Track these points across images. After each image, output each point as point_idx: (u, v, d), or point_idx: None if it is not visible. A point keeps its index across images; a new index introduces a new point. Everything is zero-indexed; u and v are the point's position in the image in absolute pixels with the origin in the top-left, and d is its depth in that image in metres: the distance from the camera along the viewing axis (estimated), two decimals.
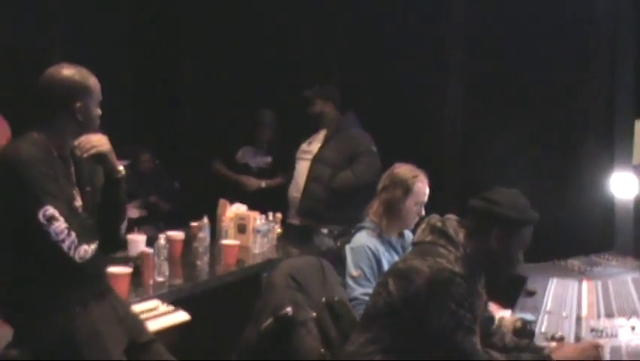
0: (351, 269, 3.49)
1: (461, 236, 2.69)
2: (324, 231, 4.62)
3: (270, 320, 2.80)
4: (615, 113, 5.39)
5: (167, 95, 6.60)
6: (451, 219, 2.76)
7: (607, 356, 2.67)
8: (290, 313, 2.79)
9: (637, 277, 3.80)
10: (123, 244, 3.46)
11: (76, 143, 2.66)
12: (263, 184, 5.69)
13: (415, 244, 2.80)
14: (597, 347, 2.58)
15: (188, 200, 5.85)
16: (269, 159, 5.79)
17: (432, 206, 3.04)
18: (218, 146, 5.91)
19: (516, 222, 2.66)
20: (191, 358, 3.24)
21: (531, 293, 3.81)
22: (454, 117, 6.02)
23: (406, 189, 3.59)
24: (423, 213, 3.62)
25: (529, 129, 5.64)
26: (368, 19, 6.04)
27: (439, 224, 2.73)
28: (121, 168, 2.74)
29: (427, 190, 3.66)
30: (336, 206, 5.02)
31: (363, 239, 3.57)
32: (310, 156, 5.27)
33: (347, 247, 3.58)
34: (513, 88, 5.69)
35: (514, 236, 2.66)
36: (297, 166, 5.34)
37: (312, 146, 5.32)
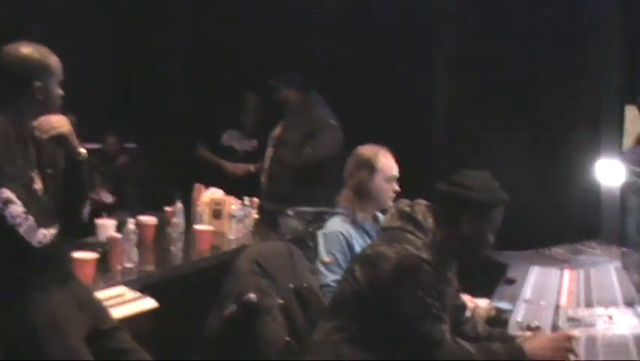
0: (323, 255, 3.46)
1: (430, 221, 2.65)
2: (290, 213, 4.59)
3: (232, 307, 2.77)
4: (602, 100, 5.38)
5: (151, 78, 6.55)
6: (420, 204, 2.72)
7: (582, 346, 2.64)
8: (254, 300, 2.75)
9: (620, 267, 3.76)
10: (86, 229, 3.42)
11: (35, 124, 2.61)
12: (252, 168, 5.66)
13: (383, 229, 2.76)
14: (570, 338, 2.54)
15: (166, 185, 5.81)
16: (254, 142, 5.76)
17: (418, 193, 2.99)
18: (203, 130, 5.87)
19: (487, 205, 2.62)
20: (160, 346, 3.22)
21: (510, 282, 3.79)
22: (442, 105, 6.01)
23: (371, 167, 3.56)
24: (398, 188, 3.59)
25: (517, 116, 5.62)
26: (355, 4, 6.01)
27: (407, 209, 2.69)
28: (82, 150, 2.70)
29: (394, 164, 3.62)
30: (302, 186, 5.02)
31: (336, 225, 3.53)
32: (274, 142, 5.31)
33: (319, 233, 3.55)
34: (501, 75, 5.67)
35: (485, 219, 2.62)
36: (266, 153, 5.36)
37: (276, 131, 5.35)
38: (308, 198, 4.74)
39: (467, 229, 2.62)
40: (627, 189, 3.42)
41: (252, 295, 2.76)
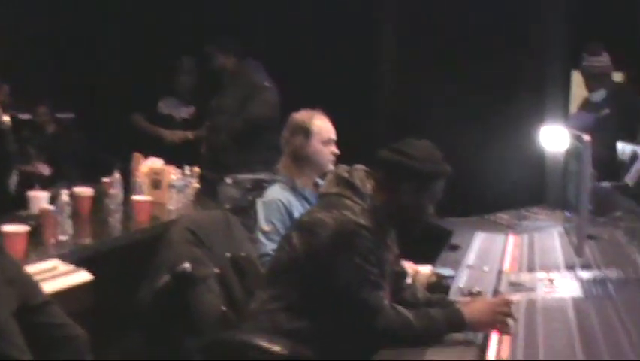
0: (262, 224, 3.43)
1: (369, 187, 2.63)
2: (229, 181, 4.55)
3: (166, 277, 2.72)
4: (547, 66, 5.41)
5: (87, 46, 6.40)
6: (359, 169, 2.69)
7: (522, 310, 2.66)
8: (188, 270, 2.71)
9: (562, 231, 3.80)
10: (15, 201, 3.34)
11: None
12: (190, 135, 5.58)
13: (320, 195, 2.74)
14: (509, 303, 2.55)
15: (104, 155, 5.71)
16: (192, 109, 5.67)
17: (361, 159, 2.97)
18: (139, 97, 5.77)
19: (428, 176, 2.60)
20: (97, 320, 3.17)
21: (454, 248, 3.81)
22: (386, 71, 6.01)
23: (306, 131, 3.53)
24: (337, 151, 3.57)
25: (461, 83, 5.64)
26: None
27: (345, 175, 2.66)
28: (6, 118, 2.62)
29: (331, 127, 3.59)
30: (240, 152, 5.02)
31: (276, 193, 3.50)
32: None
33: (258, 201, 3.51)
34: (444, 41, 5.69)
35: (426, 190, 2.61)
36: (207, 123, 5.35)
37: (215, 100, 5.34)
38: (247, 164, 4.72)
39: (406, 198, 2.60)
40: (569, 155, 3.44)
41: (186, 265, 2.72)
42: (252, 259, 3.00)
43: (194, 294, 2.75)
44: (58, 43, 6.26)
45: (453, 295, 2.96)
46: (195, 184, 4.64)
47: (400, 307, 2.53)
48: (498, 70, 5.60)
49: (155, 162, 4.57)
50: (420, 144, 2.66)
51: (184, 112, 5.70)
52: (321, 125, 3.58)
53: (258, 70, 5.31)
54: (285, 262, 2.61)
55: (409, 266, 3.27)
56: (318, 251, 2.52)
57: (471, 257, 3.55)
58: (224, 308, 2.76)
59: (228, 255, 2.90)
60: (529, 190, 5.19)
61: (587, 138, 2.92)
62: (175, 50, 5.87)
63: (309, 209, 2.76)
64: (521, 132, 5.26)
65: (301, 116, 3.61)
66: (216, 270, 2.83)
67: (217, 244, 2.90)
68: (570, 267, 3.20)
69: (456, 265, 3.43)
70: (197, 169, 4.72)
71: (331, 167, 3.47)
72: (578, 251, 3.05)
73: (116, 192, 4.17)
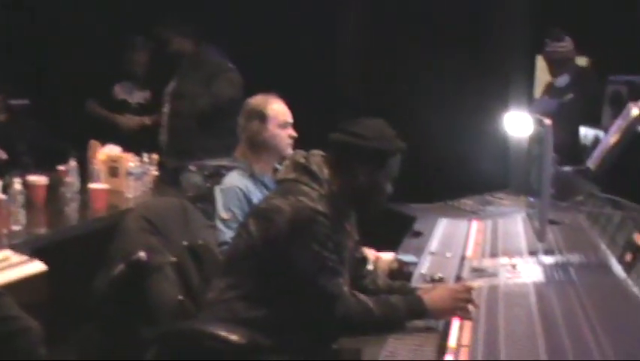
0: (221, 211, 3.41)
1: (326, 172, 2.61)
2: (192, 168, 4.51)
3: (121, 266, 2.68)
4: (510, 52, 5.43)
5: (38, 32, 6.29)
6: (316, 154, 2.67)
7: (484, 296, 2.66)
8: (143, 259, 2.67)
9: (526, 216, 3.81)
10: None
11: None
12: (147, 121, 5.50)
13: (277, 182, 2.71)
14: (469, 289, 2.55)
15: (60, 142, 5.62)
16: (148, 94, 5.58)
17: (322, 145, 2.94)
18: (94, 83, 5.67)
19: (383, 153, 2.59)
20: (53, 311, 3.13)
21: (417, 234, 3.81)
22: (347, 54, 5.99)
23: (262, 116, 3.52)
24: (294, 133, 3.56)
25: (424, 68, 5.65)
26: None
27: (302, 160, 2.64)
28: None
29: (287, 110, 3.59)
30: (203, 137, 4.95)
31: (234, 180, 3.48)
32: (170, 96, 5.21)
33: (216, 189, 3.48)
34: (408, 24, 5.68)
35: (382, 168, 2.60)
36: (163, 109, 5.25)
37: (171, 85, 5.25)
38: (211, 151, 4.67)
39: (363, 179, 2.59)
40: (532, 140, 3.45)
41: (142, 254, 2.68)
42: (210, 246, 2.97)
43: (149, 283, 2.70)
44: (10, 28, 6.15)
45: (415, 282, 2.96)
46: (154, 172, 4.60)
47: (360, 295, 2.52)
48: (461, 56, 5.61)
49: (112, 150, 4.52)
50: (371, 122, 2.64)
51: (139, 97, 5.60)
52: (277, 109, 3.56)
53: (219, 54, 5.24)
54: (242, 249, 2.58)
55: (370, 253, 3.27)
56: (275, 238, 2.50)
57: (434, 243, 3.56)
58: (180, 297, 2.73)
59: (185, 243, 2.86)
60: (493, 176, 5.21)
61: (548, 122, 2.93)
62: (129, 32, 5.74)
63: (266, 195, 2.74)
64: (485, 118, 5.28)
65: (256, 100, 3.59)
66: (173, 258, 2.79)
67: (174, 232, 2.86)
68: (533, 252, 3.21)
69: (418, 251, 3.43)
70: (155, 156, 4.67)
71: (290, 151, 3.46)
72: (540, 236, 3.06)
73: (72, 180, 4.11)
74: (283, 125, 3.56)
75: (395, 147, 2.62)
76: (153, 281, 2.72)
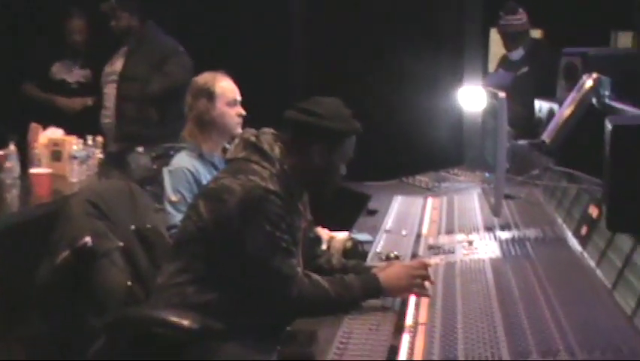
0: (170, 194, 3.39)
1: (277, 151, 2.61)
2: (140, 149, 4.47)
3: (66, 253, 2.66)
4: (464, 25, 5.47)
5: None
6: (267, 132, 2.67)
7: (440, 273, 2.69)
8: (89, 244, 2.65)
9: (482, 192, 3.85)
10: None
11: None
12: (90, 102, 5.40)
13: (227, 161, 2.70)
14: (426, 266, 2.57)
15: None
16: (88, 72, 5.47)
17: (272, 123, 2.93)
18: (28, 62, 5.54)
19: (338, 133, 2.60)
20: None
21: (372, 212, 3.84)
22: (298, 33, 5.99)
23: (209, 94, 3.52)
24: (243, 111, 3.56)
25: (377, 43, 5.66)
26: None
27: (252, 139, 2.63)
28: None
29: (234, 87, 3.59)
30: (155, 122, 4.91)
31: (183, 161, 3.46)
32: (116, 77, 5.11)
33: (165, 170, 3.47)
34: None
35: (337, 149, 2.61)
36: (105, 91, 5.16)
37: (116, 65, 5.16)
38: (161, 137, 4.63)
39: (317, 159, 2.60)
40: (487, 113, 3.48)
41: (87, 239, 2.65)
42: (159, 230, 2.96)
43: (96, 269, 2.68)
44: None
45: (370, 261, 2.99)
46: (99, 154, 4.55)
47: (314, 275, 2.53)
48: (414, 31, 5.63)
49: (54, 133, 4.46)
50: (327, 101, 2.65)
51: (78, 75, 5.47)
52: (225, 87, 3.55)
53: (162, 33, 5.17)
54: (192, 232, 2.57)
55: (323, 232, 3.28)
56: (226, 219, 2.49)
57: (389, 221, 3.59)
58: (129, 283, 2.72)
59: (133, 227, 2.85)
60: (448, 152, 5.27)
61: (503, 95, 2.96)
62: (66, 7, 5.62)
63: (216, 175, 2.73)
64: (439, 94, 5.32)
65: (204, 78, 3.58)
66: (120, 243, 2.77)
67: (121, 216, 2.83)
68: (489, 228, 3.26)
69: (373, 230, 3.46)
70: (100, 139, 4.62)
71: (239, 130, 3.45)
72: (496, 211, 3.10)
73: (12, 165, 4.05)
74: (232, 103, 3.55)
75: (351, 128, 2.63)
76: (100, 267, 2.70)
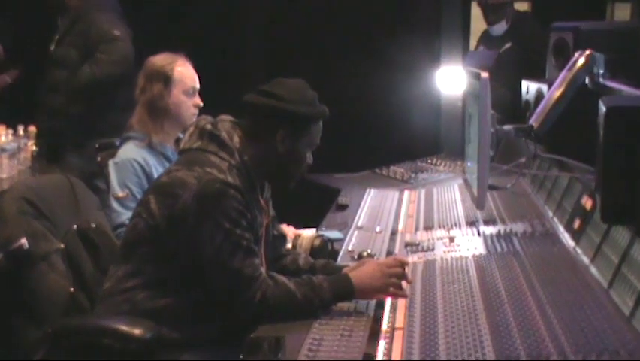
0: (116, 189, 3.39)
1: (237, 140, 2.63)
2: (70, 148, 4.45)
3: None
4: (442, 3, 5.51)
5: None
6: (225, 120, 2.69)
7: (419, 273, 2.73)
8: (25, 246, 2.65)
9: (463, 183, 3.89)
10: None
11: None
12: (8, 79, 5.32)
13: (181, 152, 2.71)
14: (402, 263, 2.61)
15: None
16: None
17: (229, 110, 2.95)
18: None
19: (304, 118, 2.63)
20: None
21: (342, 207, 3.88)
22: (260, 17, 5.99)
23: (165, 79, 3.52)
24: (200, 102, 3.57)
25: (349, 21, 5.68)
26: None
27: (208, 127, 2.65)
28: None
29: (194, 74, 3.60)
30: (86, 116, 4.81)
31: (130, 152, 3.46)
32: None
33: (110, 163, 3.47)
34: None
35: (302, 135, 2.64)
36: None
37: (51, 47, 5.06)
38: (95, 131, 4.60)
39: (281, 147, 2.62)
40: (467, 96, 3.52)
41: (23, 241, 2.65)
42: (104, 230, 2.97)
43: (34, 275, 2.67)
44: None
45: (341, 261, 3.02)
46: (32, 146, 4.52)
47: (279, 276, 2.56)
48: (387, 5, 5.68)
49: None
50: (291, 82, 2.68)
51: None
52: (184, 73, 3.54)
53: (106, 9, 5.00)
54: (143, 230, 2.59)
55: (289, 230, 3.31)
56: (180, 216, 2.51)
57: (361, 217, 3.63)
58: (72, 289, 2.73)
59: (75, 226, 2.86)
60: (426, 140, 5.31)
61: (485, 75, 2.99)
62: None
63: (168, 168, 2.74)
64: (415, 76, 5.36)
65: (160, 61, 3.56)
66: (60, 245, 2.78)
67: (60, 215, 2.84)
68: (472, 223, 3.31)
69: (344, 226, 3.51)
70: (33, 128, 4.58)
71: (194, 120, 3.45)
72: (479, 204, 3.12)
73: None
74: (189, 92, 3.55)
75: (318, 112, 2.66)
76: (38, 273, 2.70)
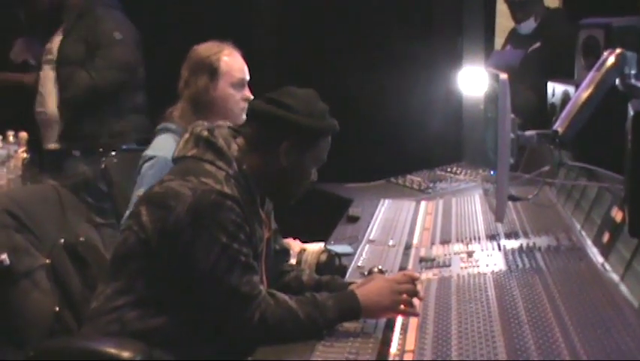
0: (144, 187, 3.28)
1: (235, 148, 2.62)
2: (76, 153, 4.46)
3: None
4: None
5: None
6: (222, 126, 2.69)
7: (433, 290, 2.71)
8: (5, 262, 2.64)
9: (484, 194, 3.87)
10: None
11: None
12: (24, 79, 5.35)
13: (175, 160, 2.70)
14: (413, 278, 2.58)
15: None
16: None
17: None
18: None
19: (313, 131, 2.62)
20: None
21: (353, 219, 3.86)
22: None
23: (211, 70, 3.47)
24: (250, 95, 3.51)
25: (365, 20, 5.69)
26: None
27: (205, 133, 2.63)
28: None
29: (243, 64, 3.55)
30: (90, 119, 4.86)
31: (167, 145, 3.33)
32: (53, 57, 5.09)
33: (143, 156, 3.42)
34: None
35: (309, 149, 2.63)
36: (41, 73, 5.14)
37: (54, 42, 5.12)
38: (99, 135, 4.62)
39: (285, 159, 2.61)
40: (488, 100, 3.49)
41: (3, 256, 2.64)
42: (94, 244, 2.96)
43: (15, 292, 2.67)
44: None
45: (350, 278, 3.00)
46: (23, 154, 4.52)
47: (280, 294, 2.54)
48: (404, 2, 5.67)
49: None
50: (301, 93, 2.67)
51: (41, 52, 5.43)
52: (232, 63, 3.51)
53: (109, 9, 5.07)
54: (133, 245, 2.57)
55: (294, 244, 3.29)
56: (173, 230, 2.50)
57: (373, 230, 3.62)
58: (57, 308, 2.72)
59: (61, 240, 2.85)
60: (446, 146, 5.29)
61: (504, 76, 2.96)
62: None
63: (161, 178, 2.72)
64: (435, 77, 5.35)
65: (206, 50, 3.52)
66: (46, 260, 2.78)
67: (46, 228, 2.83)
68: (492, 236, 3.28)
69: (355, 240, 3.49)
70: (24, 134, 4.58)
71: (244, 116, 3.40)
72: (499, 216, 3.11)
73: None
74: (238, 85, 3.50)
75: (327, 126, 2.65)
76: (20, 290, 2.69)
